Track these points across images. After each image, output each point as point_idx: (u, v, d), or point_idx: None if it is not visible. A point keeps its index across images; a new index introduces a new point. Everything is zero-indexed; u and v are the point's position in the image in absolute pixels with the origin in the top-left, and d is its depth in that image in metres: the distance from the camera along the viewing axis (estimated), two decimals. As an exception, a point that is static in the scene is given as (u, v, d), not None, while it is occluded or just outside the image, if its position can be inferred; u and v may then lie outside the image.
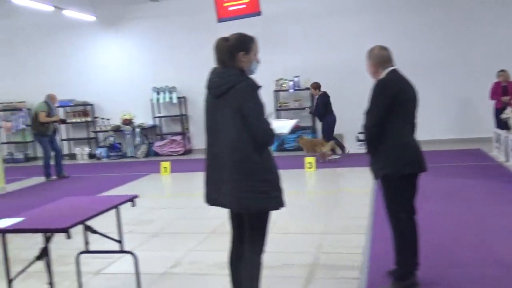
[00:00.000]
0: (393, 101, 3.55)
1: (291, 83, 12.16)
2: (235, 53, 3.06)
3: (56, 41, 13.84)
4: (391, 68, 3.71)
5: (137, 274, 3.88)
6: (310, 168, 9.24)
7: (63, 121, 11.23)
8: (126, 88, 13.51)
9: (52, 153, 10.36)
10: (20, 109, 13.91)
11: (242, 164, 2.99)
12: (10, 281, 3.33)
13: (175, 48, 13.09)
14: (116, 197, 4.12)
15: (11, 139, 14.38)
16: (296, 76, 12.15)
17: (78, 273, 4.18)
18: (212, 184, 3.18)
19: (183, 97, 13.26)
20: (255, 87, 3.04)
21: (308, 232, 5.44)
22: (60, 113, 13.65)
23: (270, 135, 3.05)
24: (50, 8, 11.62)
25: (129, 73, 13.51)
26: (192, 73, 13.03)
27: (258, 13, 9.38)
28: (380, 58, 3.72)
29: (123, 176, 10.30)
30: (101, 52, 13.76)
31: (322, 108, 10.65)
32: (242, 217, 3.17)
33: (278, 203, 3.10)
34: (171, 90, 13.07)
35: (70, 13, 12.26)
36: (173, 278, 4.43)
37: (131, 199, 3.87)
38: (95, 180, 10.30)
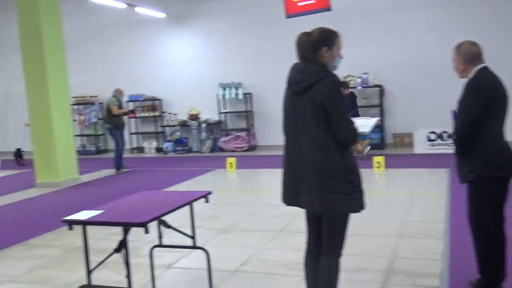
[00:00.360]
0: (487, 101, 3.32)
1: (359, 80, 11.85)
2: (318, 48, 2.95)
3: (128, 38, 14.25)
4: (481, 66, 3.46)
5: (209, 270, 3.86)
6: (378, 168, 8.96)
7: (132, 112, 11.61)
8: (193, 84, 13.71)
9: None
10: (93, 103, 14.46)
11: (324, 164, 2.88)
12: (89, 272, 3.40)
13: (242, 44, 13.11)
14: (190, 193, 4.12)
15: (83, 132, 14.99)
16: (364, 73, 11.83)
17: (152, 267, 4.24)
18: (291, 184, 3.08)
19: (249, 93, 13.27)
20: (338, 83, 2.92)
21: (382, 235, 5.24)
22: (130, 107, 14.11)
23: (354, 134, 2.92)
24: (123, 6, 12.01)
25: (196, 69, 13.69)
26: (258, 69, 13.05)
27: (328, 9, 9.18)
28: (469, 54, 3.48)
29: (189, 171, 10.45)
30: (170, 48, 14.03)
31: (350, 107, 10.55)
32: (320, 218, 3.06)
33: (359, 206, 2.97)
34: (237, 86, 13.11)
35: (141, 10, 12.61)
36: (243, 276, 4.39)
37: (205, 196, 3.85)
38: (163, 173, 10.51)
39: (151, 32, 14.04)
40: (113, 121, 10.67)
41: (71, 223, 3.31)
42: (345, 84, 10.63)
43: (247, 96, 13.28)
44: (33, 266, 4.94)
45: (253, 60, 12.95)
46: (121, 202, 3.89)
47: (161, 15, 13.18)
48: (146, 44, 14.13)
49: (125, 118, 11.19)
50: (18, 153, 13.51)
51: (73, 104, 13.28)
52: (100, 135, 14.74)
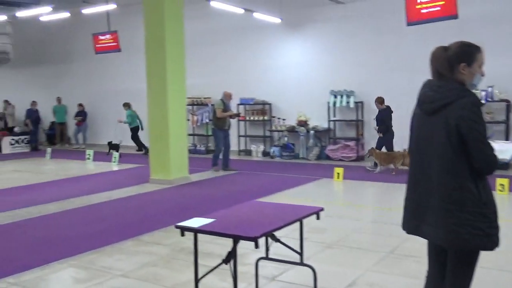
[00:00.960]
0: None
1: (483, 93, 10.96)
2: (455, 65, 2.67)
3: (244, 42, 14.55)
4: None
5: (315, 289, 3.71)
6: (502, 191, 8.17)
7: (237, 115, 12.02)
8: (304, 90, 13.63)
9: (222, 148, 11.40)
10: (206, 104, 14.95)
11: (455, 193, 2.59)
12: (197, 280, 3.41)
13: (357, 51, 12.77)
14: (302, 207, 4.00)
15: (195, 132, 15.57)
16: (489, 86, 10.92)
17: (256, 278, 4.18)
18: (413, 209, 2.82)
19: (361, 102, 12.88)
20: (478, 104, 2.61)
21: (508, 270, 4.71)
22: (240, 110, 14.38)
23: (494, 162, 2.59)
24: (241, 11, 12.27)
25: (308, 75, 13.60)
26: (372, 78, 12.63)
27: (455, 16, 8.55)
28: None
29: (294, 178, 10.36)
30: (283, 53, 14.08)
31: (387, 122, 10.86)
32: (445, 251, 2.77)
33: (494, 243, 2.64)
34: (349, 94, 12.79)
35: (259, 16, 12.78)
36: (350, 298, 4.17)
37: (317, 212, 3.70)
38: (268, 178, 10.53)
39: (266, 37, 14.21)
40: (217, 122, 11.29)
41: (184, 230, 3.34)
42: (380, 100, 11.04)
43: (358, 105, 12.90)
44: (144, 263, 5.12)
45: (367, 68, 12.57)
46: (231, 211, 3.87)
47: (276, 20, 13.26)
48: (260, 49, 14.33)
49: (231, 120, 11.56)
50: (115, 146, 14.41)
51: (187, 105, 13.83)
52: (210, 135, 15.19)
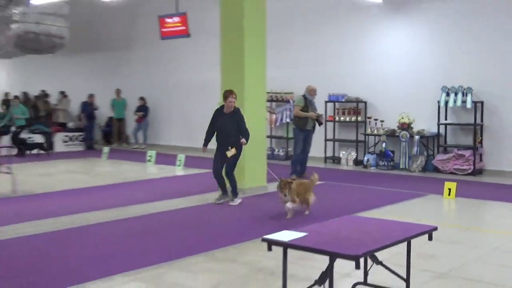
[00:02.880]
0: None
1: None
2: None
3: (335, 28, 14.62)
4: None
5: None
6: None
7: (318, 121, 11.71)
8: (408, 86, 13.48)
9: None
10: (287, 101, 15.10)
11: None
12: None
13: (479, 39, 12.45)
14: (410, 225, 4.04)
15: (273, 133, 15.80)
16: None
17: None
18: None
19: (481, 102, 12.54)
20: None
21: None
22: (329, 109, 14.47)
23: None
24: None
25: (414, 68, 13.44)
26: (496, 73, 12.27)
27: None
28: None
29: (394, 192, 10.28)
30: (383, 41, 13.99)
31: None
32: None
33: None
34: (466, 91, 12.48)
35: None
36: None
37: (430, 232, 3.73)
38: (361, 192, 10.53)
39: (363, 21, 14.19)
40: (296, 121, 11.61)
41: (271, 243, 3.49)
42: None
43: (477, 105, 12.56)
44: (218, 282, 5.35)
45: (492, 60, 12.25)
46: (324, 225, 4.00)
47: (377, 0, 13.23)
48: (355, 36, 14.33)
49: (315, 121, 11.68)
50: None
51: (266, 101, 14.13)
52: (291, 138, 15.37)
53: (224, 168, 9.28)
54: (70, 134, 18.66)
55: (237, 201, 9.25)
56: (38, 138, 17.40)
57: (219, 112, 9.23)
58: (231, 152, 8.88)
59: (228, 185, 9.27)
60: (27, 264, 5.93)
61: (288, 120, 15.05)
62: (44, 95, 20.69)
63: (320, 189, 10.75)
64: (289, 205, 8.06)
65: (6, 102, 22.24)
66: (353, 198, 9.93)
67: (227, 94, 9.03)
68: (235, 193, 9.29)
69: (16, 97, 17.45)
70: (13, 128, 16.57)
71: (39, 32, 17.41)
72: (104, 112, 19.58)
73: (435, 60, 13.12)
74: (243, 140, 8.95)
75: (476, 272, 5.72)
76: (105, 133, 20.06)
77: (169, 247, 6.61)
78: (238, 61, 10.09)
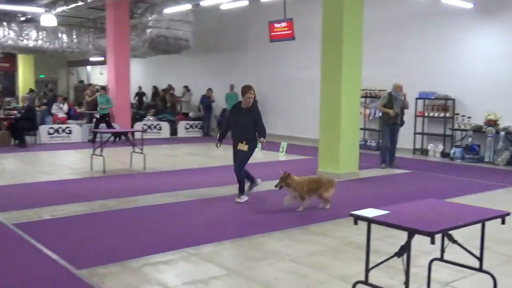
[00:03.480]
0: None
1: None
2: None
3: (427, 30, 14.22)
4: None
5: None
6: None
7: (394, 113, 11.30)
8: (495, 85, 12.86)
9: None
10: (380, 97, 14.91)
11: None
12: (368, 270, 3.68)
13: None
14: (484, 210, 4.00)
15: (366, 126, 15.67)
16: None
17: (428, 280, 4.29)
18: None
19: None
20: None
21: None
22: (418, 105, 14.11)
23: None
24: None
25: (503, 70, 12.79)
26: None
27: None
28: None
29: (477, 183, 9.95)
30: (473, 44, 13.41)
31: None
32: None
33: None
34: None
35: (447, 0, 12.40)
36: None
37: (503, 216, 3.69)
38: (446, 181, 10.25)
39: (453, 25, 13.69)
40: (382, 116, 11.60)
41: (357, 218, 3.62)
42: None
43: None
44: (311, 251, 5.54)
45: None
46: (405, 206, 4.05)
47: (468, 5, 12.70)
48: (446, 39, 13.85)
49: (401, 114, 11.48)
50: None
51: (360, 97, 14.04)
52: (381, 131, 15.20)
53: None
54: (191, 122, 19.53)
55: (244, 198, 7.95)
56: (165, 125, 18.42)
57: (236, 108, 8.07)
58: (243, 146, 7.71)
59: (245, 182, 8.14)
60: (155, 226, 6.44)
61: (380, 114, 14.83)
62: (170, 89, 21.69)
63: (408, 177, 10.64)
64: (287, 200, 7.40)
65: (139, 94, 23.62)
66: (438, 186, 9.71)
67: (246, 89, 7.86)
68: (241, 190, 8.01)
69: (103, 87, 16.67)
70: (97, 116, 16.04)
71: (168, 36, 18.40)
72: (219, 104, 20.21)
73: None
74: (262, 139, 7.84)
75: (551, 258, 5.50)
76: (219, 122, 20.72)
77: (271, 220, 6.89)
78: (337, 61, 10.13)
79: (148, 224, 6.55)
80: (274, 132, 17.79)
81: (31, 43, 18.48)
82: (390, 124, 11.38)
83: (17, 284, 4.51)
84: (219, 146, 8.15)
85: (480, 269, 3.96)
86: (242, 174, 8.07)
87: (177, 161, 12.72)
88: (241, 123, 7.76)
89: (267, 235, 6.10)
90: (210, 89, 19.49)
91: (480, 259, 3.95)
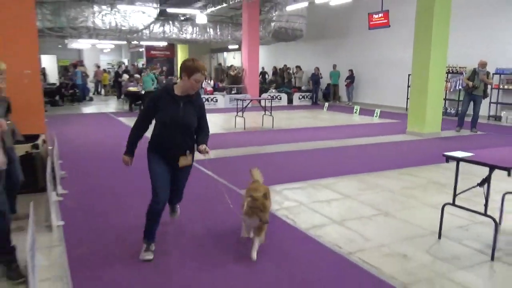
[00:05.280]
0: None
1: None
2: None
3: (505, 15, 13.06)
4: None
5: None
6: None
7: (473, 87, 10.50)
8: None
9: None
10: (461, 73, 14.11)
11: None
12: (455, 195, 3.86)
13: None
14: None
15: (447, 97, 14.93)
16: None
17: (501, 208, 4.35)
18: None
19: None
20: None
21: None
22: (495, 79, 13.17)
23: None
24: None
25: None
26: None
27: None
28: None
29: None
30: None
31: None
32: None
33: None
34: None
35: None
36: None
37: None
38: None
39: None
40: (465, 87, 10.76)
41: (449, 158, 3.80)
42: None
43: None
44: (405, 186, 5.75)
45: None
46: (486, 150, 4.14)
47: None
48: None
49: (484, 87, 10.75)
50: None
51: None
52: (460, 100, 14.39)
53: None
54: (303, 93, 19.79)
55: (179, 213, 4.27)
56: (284, 96, 18.90)
57: (165, 95, 3.51)
58: (186, 160, 3.58)
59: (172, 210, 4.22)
60: (286, 165, 6.94)
61: (460, 87, 14.07)
62: (286, 68, 21.98)
63: (484, 137, 10.15)
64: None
65: (262, 73, 24.13)
66: (510, 142, 9.22)
67: (194, 68, 3.41)
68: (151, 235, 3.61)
69: (147, 68, 16.49)
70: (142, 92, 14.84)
71: (287, 27, 18.62)
72: (325, 80, 20.23)
73: None
74: (205, 147, 3.47)
75: None
76: (324, 94, 20.76)
77: (371, 163, 7.10)
78: (427, 42, 9.82)
79: (280, 164, 7.07)
80: (366, 101, 17.58)
81: (188, 36, 19.67)
82: (470, 94, 10.80)
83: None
84: (131, 163, 3.59)
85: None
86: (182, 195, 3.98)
87: (294, 122, 13.14)
88: (179, 121, 3.46)
89: (370, 174, 6.37)
90: (317, 68, 19.55)
91: (547, 193, 3.95)
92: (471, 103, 10.82)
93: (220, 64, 29.35)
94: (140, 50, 31.29)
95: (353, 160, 7.40)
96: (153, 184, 3.44)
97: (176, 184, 3.71)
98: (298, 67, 21.36)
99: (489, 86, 11.09)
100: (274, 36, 18.96)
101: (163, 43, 24.15)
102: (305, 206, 4.90)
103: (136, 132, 3.53)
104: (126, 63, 30.91)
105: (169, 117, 3.41)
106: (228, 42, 21.27)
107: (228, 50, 29.22)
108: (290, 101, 19.12)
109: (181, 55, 29.15)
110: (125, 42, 24.55)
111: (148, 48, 29.08)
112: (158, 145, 3.50)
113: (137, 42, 23.71)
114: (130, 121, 11.68)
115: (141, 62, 29.59)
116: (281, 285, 3.08)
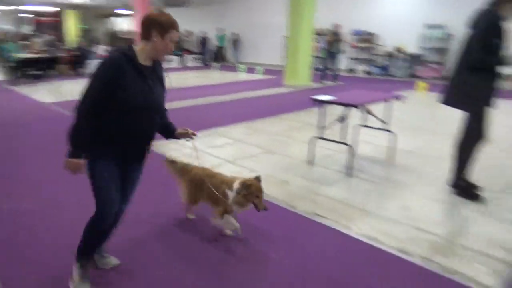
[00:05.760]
0: None
1: None
2: None
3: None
4: None
5: (393, 149, 4.43)
6: None
7: (331, 44, 11.49)
8: (402, 22, 13.16)
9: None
10: (326, 34, 15.07)
11: None
12: (321, 128, 4.33)
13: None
14: (388, 94, 4.64)
15: (316, 56, 15.91)
16: None
17: (355, 140, 4.99)
18: None
19: (450, 34, 12.15)
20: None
21: None
22: (351, 38, 14.32)
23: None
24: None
25: (404, 9, 13.06)
26: (461, 12, 11.75)
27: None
28: None
29: (387, 88, 10.56)
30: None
31: None
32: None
33: None
34: (440, 27, 12.10)
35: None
36: (414, 155, 4.85)
37: (398, 97, 4.35)
38: (368, 87, 10.82)
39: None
40: (327, 47, 11.50)
41: (315, 100, 4.21)
42: None
43: (448, 36, 12.18)
44: (284, 128, 6.20)
45: (458, 3, 11.71)
46: (344, 93, 4.66)
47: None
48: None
49: (339, 46, 11.69)
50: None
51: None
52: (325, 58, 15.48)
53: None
54: (194, 55, 19.40)
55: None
56: (175, 58, 18.35)
57: (129, 66, 2.00)
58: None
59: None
60: (180, 122, 6.93)
61: (324, 46, 15.08)
62: (177, 32, 21.14)
63: (345, 87, 11.17)
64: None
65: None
66: (361, 88, 10.31)
67: (171, 24, 2.05)
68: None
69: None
70: None
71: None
72: (214, 42, 20.02)
73: (417, 5, 12.67)
74: (189, 130, 2.61)
75: (418, 124, 6.27)
76: (215, 55, 20.57)
77: (255, 113, 7.41)
78: (299, 8, 10.25)
79: (178, 119, 6.96)
80: (248, 60, 17.93)
81: (78, 0, 17.62)
82: (330, 52, 11.68)
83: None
84: (82, 167, 2.05)
85: (387, 130, 4.66)
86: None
87: (187, 81, 12.92)
88: (153, 102, 2.15)
89: (256, 121, 6.69)
90: (205, 32, 19.23)
91: (386, 123, 4.65)
92: (332, 61, 11.76)
93: (112, 29, 27.08)
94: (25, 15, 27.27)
95: (242, 110, 7.66)
96: (102, 198, 2.12)
97: (130, 188, 2.31)
98: (187, 31, 20.72)
99: (344, 45, 12.09)
100: (165, 2, 17.98)
101: (51, 8, 21.32)
102: (202, 151, 5.05)
103: (90, 123, 1.99)
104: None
105: (141, 99, 2.03)
106: (119, 7, 19.62)
107: (120, 16, 26.99)
108: (183, 62, 18.65)
109: (70, 22, 26.14)
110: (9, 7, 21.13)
111: (35, 14, 25.49)
112: (113, 143, 2.07)
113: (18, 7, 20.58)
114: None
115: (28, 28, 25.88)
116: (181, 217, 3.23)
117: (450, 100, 3.41)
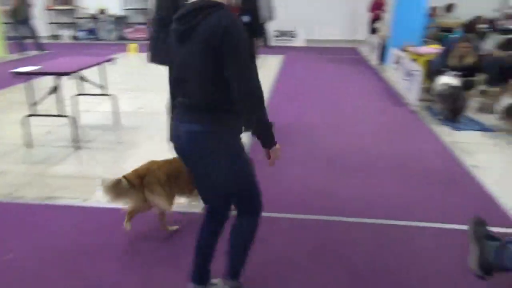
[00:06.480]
0: None
1: None
2: None
3: None
4: None
5: (117, 112, 4.55)
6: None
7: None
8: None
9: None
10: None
11: None
12: (33, 104, 3.92)
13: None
14: (99, 58, 4.64)
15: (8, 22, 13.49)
16: None
17: (75, 109, 4.80)
18: None
19: (149, -6, 12.82)
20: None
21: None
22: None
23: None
24: None
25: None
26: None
27: None
28: None
29: (100, 53, 10.35)
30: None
31: None
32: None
33: None
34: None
35: None
36: (138, 115, 5.17)
37: (110, 60, 4.42)
38: (78, 55, 10.29)
39: None
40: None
41: (17, 74, 3.72)
42: None
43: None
44: (-16, 112, 5.21)
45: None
46: (52, 61, 4.32)
47: None
48: None
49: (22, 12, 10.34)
50: None
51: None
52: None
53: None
54: None
55: None
56: None
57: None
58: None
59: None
60: None
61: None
62: None
63: (53, 55, 10.10)
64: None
65: None
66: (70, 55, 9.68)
67: None
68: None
69: None
70: None
71: None
72: None
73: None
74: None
75: (142, 86, 6.70)
76: None
77: None
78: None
79: None
80: None
81: None
82: (16, 20, 10.15)
83: None
84: None
85: (106, 94, 4.70)
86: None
87: None
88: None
89: None
90: None
91: (103, 87, 4.67)
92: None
93: None
94: None
95: None
96: (256, 185, 1.76)
97: None
98: None
99: (32, 10, 10.56)
100: None
101: None
102: None
103: None
104: None
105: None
106: None
107: None
108: None
109: None
110: None
111: None
112: (238, 119, 1.70)
113: None
114: None
115: None
116: None
117: (155, 57, 3.75)
